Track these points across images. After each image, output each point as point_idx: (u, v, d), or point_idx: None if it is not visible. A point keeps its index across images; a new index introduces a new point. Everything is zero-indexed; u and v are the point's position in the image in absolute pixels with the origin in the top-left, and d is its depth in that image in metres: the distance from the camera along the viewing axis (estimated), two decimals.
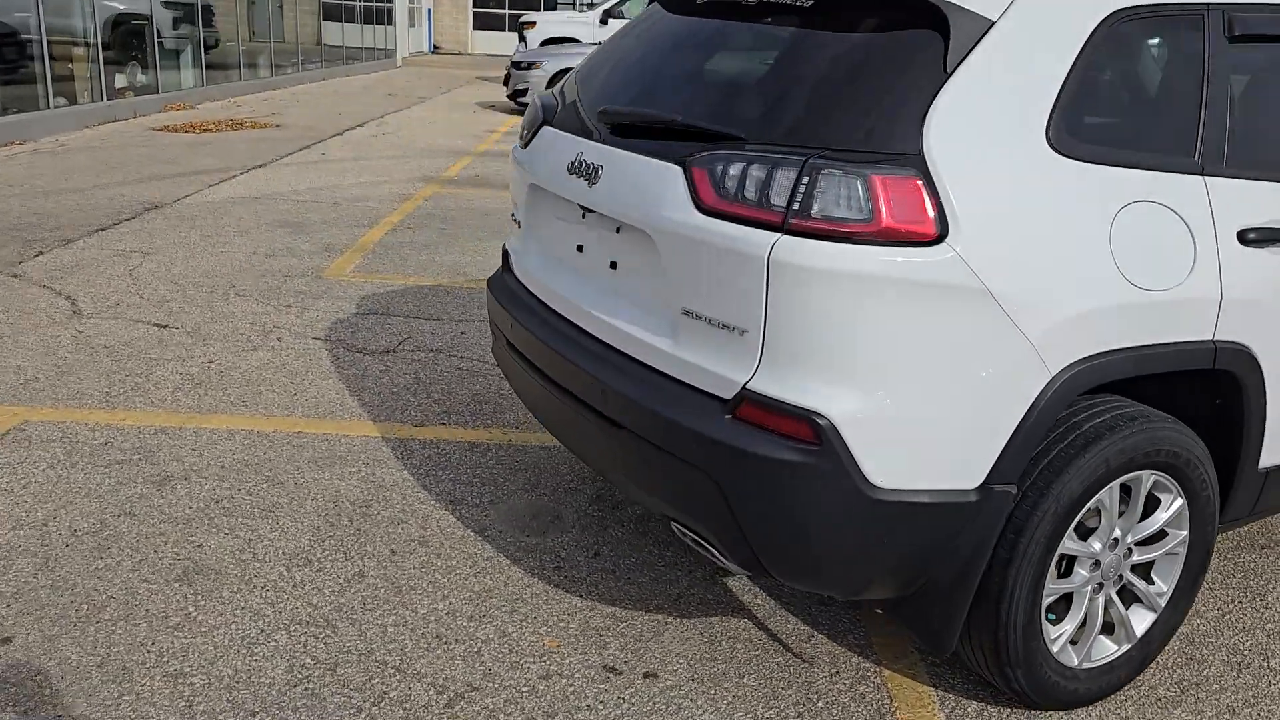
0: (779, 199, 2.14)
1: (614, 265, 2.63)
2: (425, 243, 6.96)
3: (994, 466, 2.23)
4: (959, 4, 2.19)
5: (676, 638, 2.81)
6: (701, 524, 2.36)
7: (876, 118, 2.13)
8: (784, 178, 2.14)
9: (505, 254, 3.30)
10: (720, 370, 2.26)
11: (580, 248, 2.79)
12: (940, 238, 2.09)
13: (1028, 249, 2.17)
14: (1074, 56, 2.25)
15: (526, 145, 3.05)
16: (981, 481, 2.23)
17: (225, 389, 4.31)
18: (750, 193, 2.19)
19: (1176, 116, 2.40)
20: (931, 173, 2.09)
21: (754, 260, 2.15)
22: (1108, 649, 2.58)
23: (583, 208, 2.69)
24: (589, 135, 2.68)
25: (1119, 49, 2.34)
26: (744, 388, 2.22)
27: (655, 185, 2.38)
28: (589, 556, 3.19)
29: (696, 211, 2.27)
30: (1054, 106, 2.22)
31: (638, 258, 2.50)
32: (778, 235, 2.13)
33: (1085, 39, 2.26)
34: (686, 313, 2.32)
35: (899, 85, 2.15)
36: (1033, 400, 2.21)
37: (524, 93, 14.30)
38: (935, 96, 2.13)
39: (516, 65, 14.53)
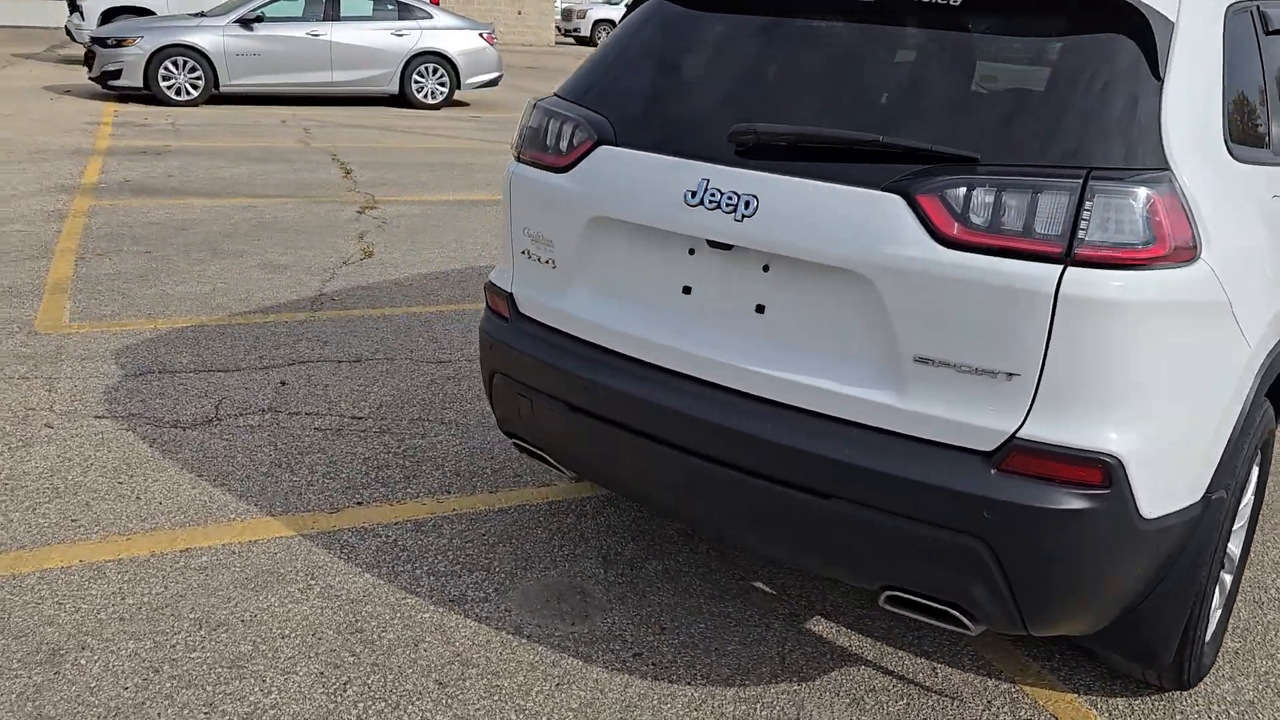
0: (1051, 227, 1.93)
1: (760, 309, 2.26)
2: (137, 272, 5.72)
3: (1214, 475, 2.21)
4: (1151, 4, 2.09)
5: (819, 706, 2.54)
6: (947, 588, 2.12)
7: (1122, 132, 1.99)
8: (1054, 203, 1.93)
9: (507, 298, 2.74)
10: (976, 420, 2.02)
11: (688, 289, 2.38)
12: (1197, 255, 2.01)
13: (1240, 256, 2.16)
14: (1221, 54, 2.25)
15: (569, 168, 2.52)
16: (1204, 492, 2.21)
17: (32, 509, 3.22)
18: (1011, 221, 1.96)
19: None
20: (1182, 188, 1.99)
21: (1035, 296, 1.93)
22: (1214, 617, 2.72)
23: (713, 244, 2.27)
24: (712, 158, 2.27)
25: (1243, 43, 2.38)
26: (1013, 436, 2.00)
27: (863, 217, 2.06)
28: (657, 633, 2.79)
29: (938, 246, 2.00)
30: (1223, 108, 2.21)
31: (817, 300, 2.17)
32: (1061, 267, 1.92)
33: (1222, 36, 2.27)
34: (921, 360, 2.05)
35: (1132, 95, 2.03)
36: (1247, 404, 2.22)
37: (116, 74, 12.24)
38: (1160, 106, 2.03)
39: (102, 42, 12.39)
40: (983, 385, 2.01)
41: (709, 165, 2.28)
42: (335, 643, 2.66)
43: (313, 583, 2.92)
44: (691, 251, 2.36)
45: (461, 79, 13.89)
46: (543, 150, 2.62)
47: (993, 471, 2.01)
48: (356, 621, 2.76)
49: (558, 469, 2.81)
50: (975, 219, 1.98)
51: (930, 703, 2.58)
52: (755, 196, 2.19)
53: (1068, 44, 2.08)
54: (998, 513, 1.99)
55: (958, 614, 2.17)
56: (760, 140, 2.20)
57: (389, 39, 13.39)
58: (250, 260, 6.10)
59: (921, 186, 2.02)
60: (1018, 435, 2.00)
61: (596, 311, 2.54)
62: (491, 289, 2.83)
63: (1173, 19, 2.11)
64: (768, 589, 3.02)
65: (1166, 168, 1.99)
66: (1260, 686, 2.70)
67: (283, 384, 4.29)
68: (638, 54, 2.56)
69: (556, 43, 30.50)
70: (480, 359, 2.99)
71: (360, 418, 4.00)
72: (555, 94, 2.70)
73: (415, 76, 13.62)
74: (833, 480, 2.13)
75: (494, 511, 3.37)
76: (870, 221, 2.06)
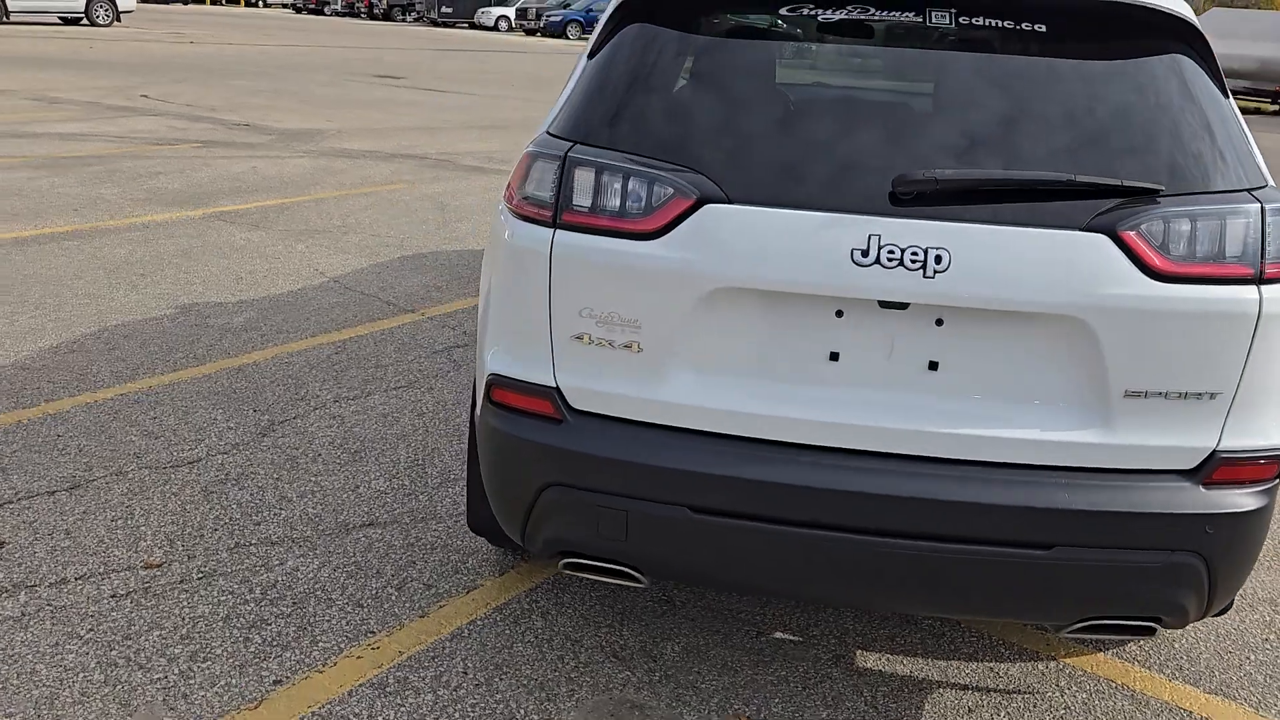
0: (1241, 249, 2.02)
1: (934, 366, 2.09)
2: None
3: None
4: (1191, 23, 2.24)
5: None
6: (1153, 605, 2.17)
7: (1240, 153, 2.13)
8: (1241, 227, 2.02)
9: (550, 394, 2.22)
10: (1181, 442, 2.08)
11: (835, 356, 2.11)
12: None
13: None
14: None
15: (660, 233, 2.08)
16: None
17: None
18: (1205, 249, 2.01)
19: None
20: None
21: (1240, 318, 2.01)
22: None
23: (884, 304, 2.03)
24: (877, 210, 2.01)
25: None
26: (1214, 451, 2.09)
27: (1069, 260, 1.98)
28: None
29: (1149, 280, 1.99)
30: None
31: (1006, 348, 2.05)
32: (1256, 287, 2.02)
33: None
34: (1132, 394, 2.04)
35: (1224, 116, 2.16)
36: None
37: None
38: (1241, 124, 2.21)
39: None
40: (1187, 408, 2.06)
41: (876, 219, 2.02)
42: None
43: None
44: (840, 314, 2.09)
45: None
46: (608, 214, 2.13)
47: (1201, 488, 2.09)
48: None
49: (630, 582, 2.37)
50: (1175, 250, 2.00)
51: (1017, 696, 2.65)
52: (945, 249, 1.99)
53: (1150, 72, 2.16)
54: (1215, 526, 2.07)
55: (1152, 625, 2.23)
56: (940, 188, 2.00)
57: None
58: None
59: (1124, 223, 1.99)
60: (1218, 449, 2.09)
61: (708, 395, 2.15)
62: (510, 385, 2.27)
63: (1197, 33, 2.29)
64: (792, 637, 2.86)
65: (1272, 184, 2.16)
66: None
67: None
68: (708, 87, 2.18)
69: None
70: (503, 473, 2.35)
71: (156, 565, 3.02)
72: (585, 141, 2.20)
73: None
74: (1052, 529, 2.06)
75: (446, 640, 2.76)
76: (1078, 263, 1.99)
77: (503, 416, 2.30)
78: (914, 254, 2.00)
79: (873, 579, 2.14)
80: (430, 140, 11.33)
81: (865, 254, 2.01)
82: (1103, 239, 1.99)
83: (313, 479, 3.58)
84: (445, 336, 5.07)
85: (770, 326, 2.12)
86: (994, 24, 2.18)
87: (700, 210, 2.08)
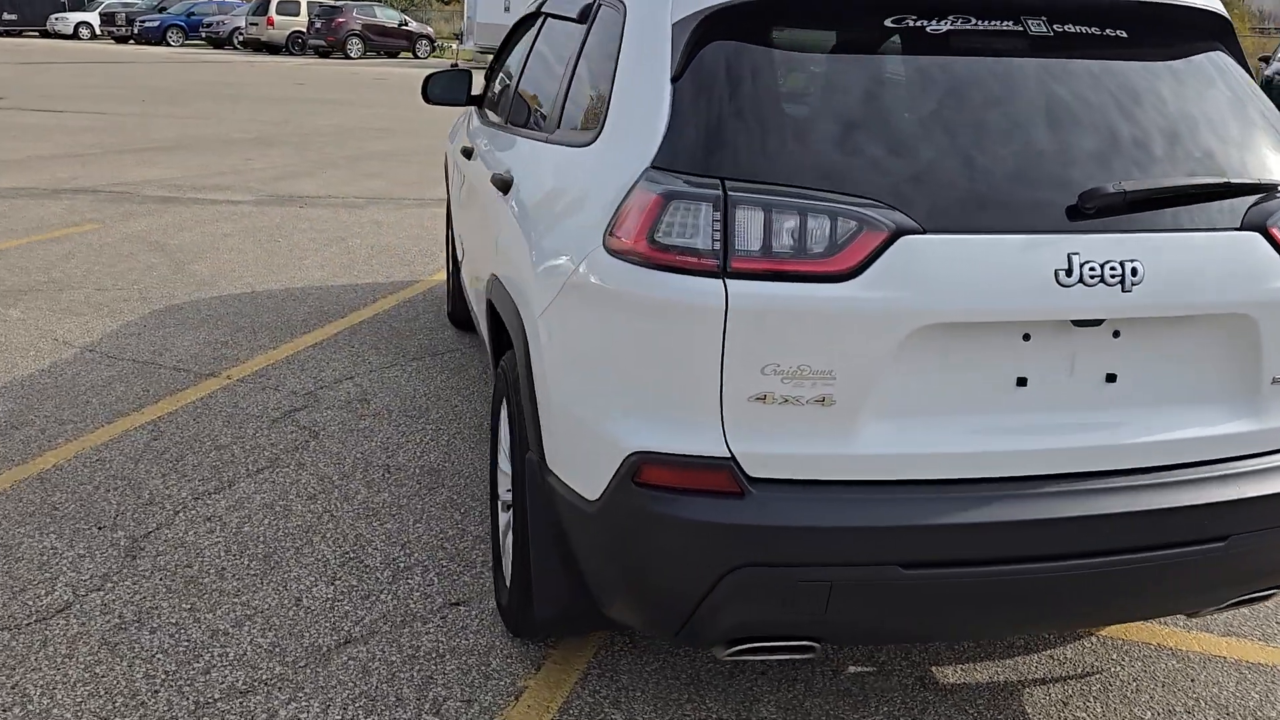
0: None
1: (1111, 378, 2.07)
2: None
3: None
4: (1228, 19, 2.40)
5: None
6: None
7: None
8: None
9: (726, 465, 1.95)
10: None
11: (1023, 381, 2.03)
12: None
13: None
14: None
15: (854, 273, 1.87)
16: None
17: None
18: None
19: None
20: None
21: None
22: None
23: (1078, 323, 1.97)
24: (1068, 228, 1.94)
25: None
26: None
27: (1233, 259, 2.05)
28: None
29: None
30: None
31: (1176, 353, 2.09)
32: None
33: None
34: (1277, 380, 2.15)
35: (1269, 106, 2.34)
36: None
37: None
38: None
39: None
40: None
41: (1071, 237, 1.95)
42: None
43: None
44: (1027, 337, 2.00)
45: None
46: (786, 257, 1.87)
47: None
48: None
49: (803, 655, 2.13)
50: None
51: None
52: (1137, 261, 1.96)
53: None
54: None
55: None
56: (1127, 199, 1.96)
57: None
58: None
59: (1271, 219, 2.08)
60: None
61: (895, 442, 1.98)
62: (666, 462, 1.96)
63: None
64: (867, 669, 2.76)
65: None
66: None
67: None
68: (848, 108, 1.99)
69: None
70: (666, 563, 2.02)
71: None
72: (733, 176, 1.92)
73: None
74: (1227, 521, 2.11)
75: None
76: (1241, 261, 2.05)
77: (659, 499, 1.98)
78: (1113, 269, 1.96)
79: (1076, 602, 2.10)
80: (87, 170, 9.81)
81: (1069, 273, 1.94)
82: (1256, 236, 2.07)
83: (235, 599, 2.94)
84: (273, 400, 4.38)
85: (956, 359, 2.00)
86: (1087, 31, 2.18)
87: (896, 244, 1.90)
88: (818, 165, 1.96)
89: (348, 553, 3.21)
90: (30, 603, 2.89)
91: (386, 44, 32.70)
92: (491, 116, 3.99)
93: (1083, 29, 2.18)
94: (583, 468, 2.15)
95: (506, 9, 25.45)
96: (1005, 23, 2.14)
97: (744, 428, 1.96)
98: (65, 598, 2.92)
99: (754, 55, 2.07)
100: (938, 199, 1.94)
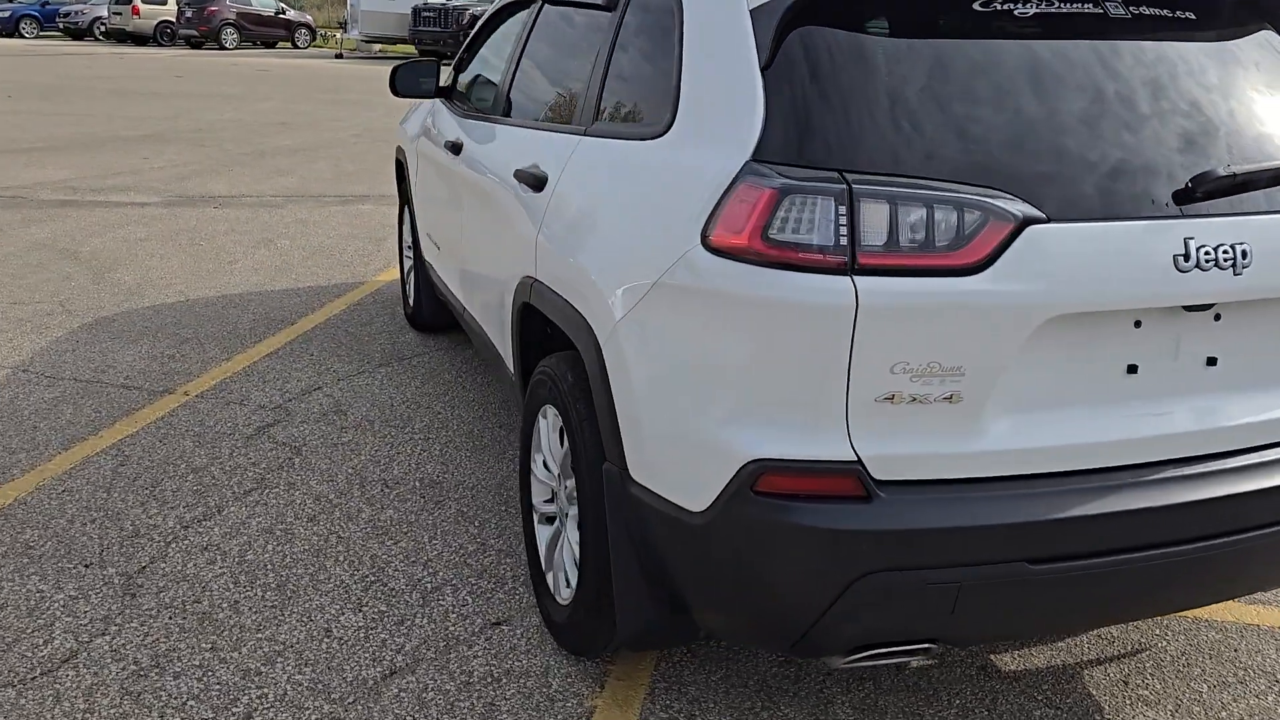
0: None
1: (1212, 361, 2.08)
2: None
3: None
4: None
5: None
6: None
7: None
8: None
9: (852, 468, 1.88)
10: None
11: (1133, 368, 2.01)
12: None
13: None
14: None
15: (984, 265, 1.81)
16: None
17: None
18: None
19: None
20: None
21: None
22: None
23: (1189, 308, 1.97)
24: (1181, 212, 1.94)
25: None
26: None
27: None
28: None
29: None
30: None
31: (1271, 333, 2.10)
32: None
33: None
34: None
35: None
36: None
37: None
38: None
39: None
40: None
41: (1185, 221, 1.93)
42: None
43: None
44: (1138, 324, 1.98)
45: None
46: (913, 250, 1.80)
47: None
48: None
49: (923, 658, 2.08)
50: None
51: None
52: (1247, 244, 1.96)
53: None
54: None
55: None
56: (1237, 181, 1.96)
57: None
58: None
59: None
60: None
61: (1018, 437, 1.94)
62: (786, 468, 1.88)
63: None
64: (924, 660, 2.73)
65: None
66: None
67: None
68: (961, 93, 1.92)
69: None
70: (789, 573, 1.94)
71: None
72: (852, 169, 1.84)
73: None
74: None
75: None
76: None
77: (780, 507, 1.90)
78: (1226, 252, 1.96)
79: (1191, 584, 2.11)
80: None
81: (1186, 258, 1.93)
82: None
83: (258, 635, 2.74)
84: (242, 416, 4.12)
85: (1076, 350, 1.97)
86: (1159, 13, 2.18)
87: (1024, 233, 1.85)
88: (933, 155, 1.89)
89: (367, 576, 3.03)
90: (29, 654, 2.63)
91: (264, 33, 31.43)
92: (477, 109, 3.81)
93: (1156, 10, 2.17)
94: (683, 479, 2.04)
95: None
96: (1086, 5, 2.11)
97: (870, 429, 1.89)
98: (68, 645, 2.67)
99: (849, 42, 1.99)
100: (1060, 187, 1.91)
